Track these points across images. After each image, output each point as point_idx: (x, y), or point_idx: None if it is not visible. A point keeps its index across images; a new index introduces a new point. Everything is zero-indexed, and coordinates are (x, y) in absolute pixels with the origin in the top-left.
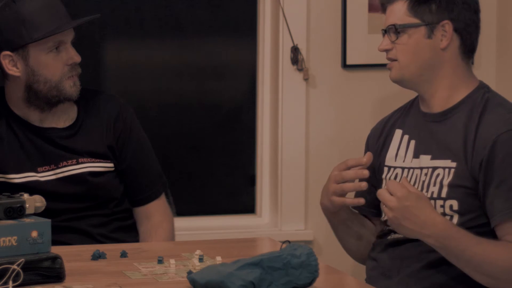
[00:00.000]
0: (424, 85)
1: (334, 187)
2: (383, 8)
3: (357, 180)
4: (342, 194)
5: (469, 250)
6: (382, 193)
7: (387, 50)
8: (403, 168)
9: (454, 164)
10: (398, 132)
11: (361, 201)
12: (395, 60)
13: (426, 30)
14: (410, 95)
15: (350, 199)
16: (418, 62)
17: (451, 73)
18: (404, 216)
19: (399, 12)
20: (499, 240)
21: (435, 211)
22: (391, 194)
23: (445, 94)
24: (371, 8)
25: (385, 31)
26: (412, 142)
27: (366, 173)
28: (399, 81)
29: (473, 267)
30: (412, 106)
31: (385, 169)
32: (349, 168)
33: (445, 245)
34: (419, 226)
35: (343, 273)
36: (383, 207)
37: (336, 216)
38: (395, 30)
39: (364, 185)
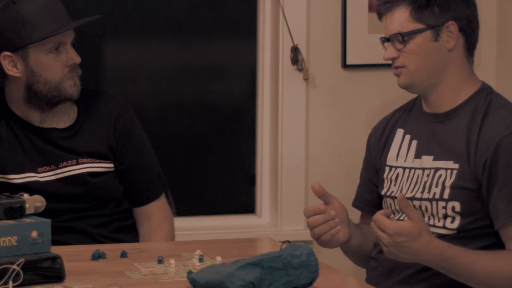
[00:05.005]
0: (432, 88)
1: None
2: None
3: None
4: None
5: (468, 268)
6: (374, 228)
7: (393, 58)
8: (404, 168)
9: (456, 166)
10: (399, 132)
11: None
12: (403, 67)
13: (432, 33)
14: (410, 95)
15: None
16: (427, 66)
17: (456, 73)
18: (400, 250)
19: (401, 19)
20: (499, 251)
21: (428, 236)
22: (382, 230)
23: (449, 95)
24: (371, 8)
25: (387, 40)
26: (414, 142)
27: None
28: (408, 87)
29: (475, 282)
30: (414, 105)
31: (387, 168)
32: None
33: (443, 266)
34: (416, 255)
35: (343, 273)
36: (378, 240)
37: (348, 245)
38: (401, 39)
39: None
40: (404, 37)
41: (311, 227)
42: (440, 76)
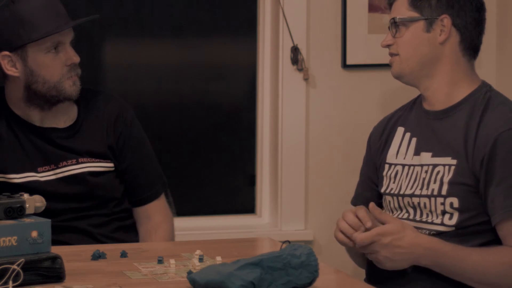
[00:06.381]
0: (424, 80)
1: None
2: (390, 5)
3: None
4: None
5: (459, 264)
6: (360, 249)
7: (389, 46)
8: (403, 165)
9: (454, 162)
10: (400, 130)
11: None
12: (397, 55)
13: (425, 24)
14: (410, 95)
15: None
16: (417, 56)
17: (451, 69)
18: (391, 252)
19: (400, 7)
20: (491, 247)
21: (414, 232)
22: (368, 244)
23: (445, 91)
24: (371, 8)
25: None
26: (414, 140)
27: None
28: (399, 76)
29: (467, 278)
30: (414, 104)
31: (386, 166)
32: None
33: (436, 262)
34: (408, 253)
35: (343, 273)
36: (369, 256)
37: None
38: (394, 24)
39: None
40: (396, 23)
41: (340, 231)
42: (432, 69)
